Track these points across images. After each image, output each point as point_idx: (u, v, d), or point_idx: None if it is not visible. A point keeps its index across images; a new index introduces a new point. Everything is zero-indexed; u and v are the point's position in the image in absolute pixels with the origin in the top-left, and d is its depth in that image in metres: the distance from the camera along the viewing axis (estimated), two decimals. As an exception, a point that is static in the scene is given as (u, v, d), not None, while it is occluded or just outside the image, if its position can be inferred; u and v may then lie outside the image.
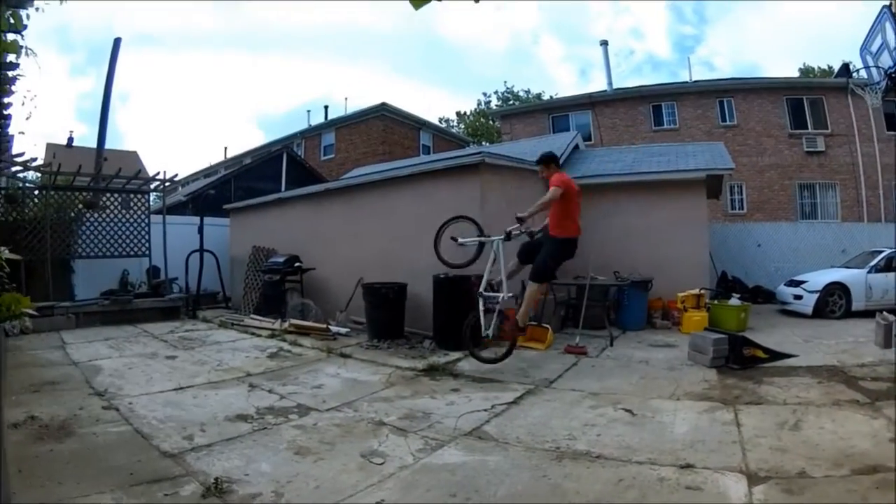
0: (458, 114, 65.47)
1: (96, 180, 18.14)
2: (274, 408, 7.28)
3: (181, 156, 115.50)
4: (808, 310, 15.17)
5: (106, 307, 15.59)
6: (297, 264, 15.46)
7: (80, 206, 17.23)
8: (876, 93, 13.91)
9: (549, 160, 9.93)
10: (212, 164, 51.08)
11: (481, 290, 9.95)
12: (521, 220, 9.62)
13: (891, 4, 11.84)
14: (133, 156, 41.83)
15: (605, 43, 38.71)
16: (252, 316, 15.40)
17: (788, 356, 9.18)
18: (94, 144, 22.31)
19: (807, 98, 28.21)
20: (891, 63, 12.05)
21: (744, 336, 9.57)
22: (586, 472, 4.93)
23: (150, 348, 11.70)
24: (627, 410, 6.81)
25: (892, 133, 26.24)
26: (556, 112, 34.79)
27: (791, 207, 27.63)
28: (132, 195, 18.60)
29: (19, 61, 8.19)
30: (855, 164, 26.80)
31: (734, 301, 13.67)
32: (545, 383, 8.44)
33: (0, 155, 13.37)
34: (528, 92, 62.34)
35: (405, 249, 12.48)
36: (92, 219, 17.34)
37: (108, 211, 17.79)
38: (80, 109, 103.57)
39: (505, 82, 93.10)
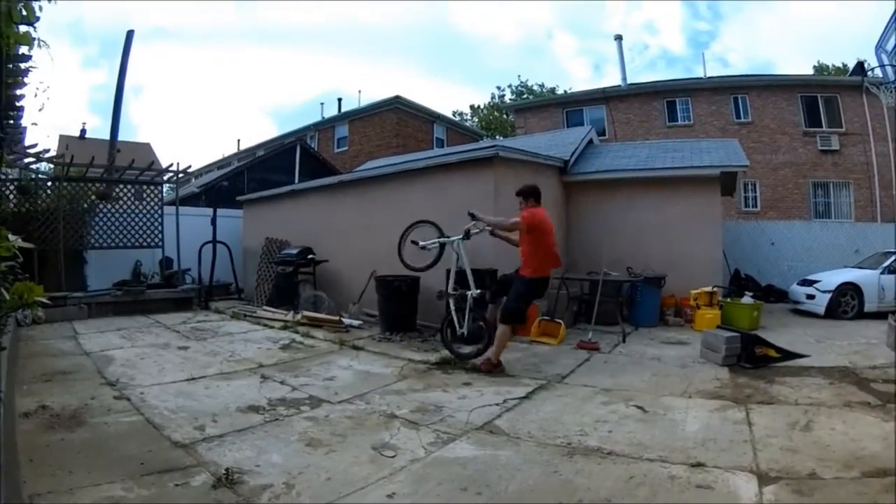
0: (471, 107, 65.34)
1: (109, 171, 18.22)
2: (286, 399, 7.31)
3: (194, 148, 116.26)
4: (821, 310, 15.06)
5: (118, 298, 15.67)
6: (310, 256, 15.48)
7: (93, 197, 17.27)
8: (891, 91, 13.92)
9: (527, 194, 9.58)
10: (225, 155, 51.29)
11: (448, 290, 10.15)
12: (473, 216, 9.70)
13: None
14: (146, 147, 42.04)
15: (619, 38, 38.69)
16: (265, 307, 15.44)
17: (800, 356, 9.17)
18: (107, 136, 22.51)
19: (821, 96, 27.98)
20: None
21: (756, 335, 9.57)
22: (597, 469, 4.95)
23: (162, 339, 11.76)
24: (639, 407, 6.82)
25: (908, 132, 26.07)
26: (570, 106, 34.73)
27: (805, 206, 27.46)
28: (145, 186, 18.63)
29: (32, 53, 8.22)
30: (869, 163, 26.60)
31: (747, 299, 13.63)
32: (557, 378, 8.46)
33: (13, 146, 13.41)
34: (542, 86, 62.32)
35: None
36: (105, 210, 17.37)
37: (121, 202, 17.83)
38: (93, 102, 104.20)
39: (519, 76, 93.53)
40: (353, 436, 5.88)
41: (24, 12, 4.27)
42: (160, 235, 18.15)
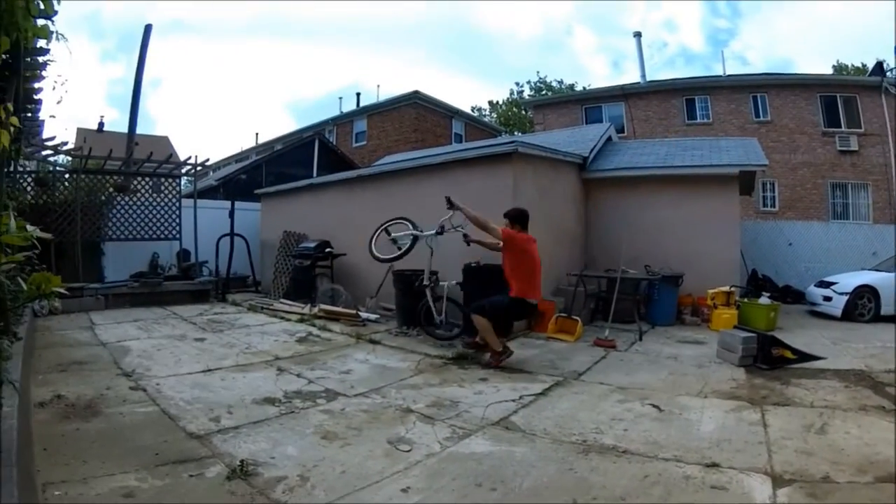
0: (490, 103, 65.17)
1: (127, 164, 18.33)
2: (302, 392, 7.35)
3: (212, 141, 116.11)
4: (838, 312, 14.93)
5: (135, 289, 15.73)
6: (327, 250, 15.50)
7: (111, 189, 17.38)
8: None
9: (514, 218, 9.61)
10: (243, 149, 51.25)
11: (425, 282, 10.61)
12: (451, 203, 9.85)
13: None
14: (164, 140, 42.22)
15: (638, 35, 38.63)
16: (281, 300, 15.49)
17: (816, 358, 9.13)
18: (125, 129, 22.63)
19: (840, 96, 27.69)
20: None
21: (773, 336, 9.54)
22: (612, 467, 4.96)
23: (178, 330, 11.80)
24: (655, 406, 6.82)
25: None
26: (589, 103, 34.57)
27: (823, 207, 27.22)
28: (163, 179, 18.68)
29: (50, 47, 8.29)
30: (888, 164, 26.30)
31: (764, 300, 13.57)
32: (574, 376, 8.47)
33: (31, 139, 13.49)
34: (560, 82, 62.02)
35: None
36: (123, 202, 17.47)
37: (138, 194, 17.93)
38: (111, 95, 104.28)
39: (538, 72, 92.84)
40: (368, 429, 5.91)
41: (42, 6, 4.31)
42: (178, 228, 18.27)
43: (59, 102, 13.31)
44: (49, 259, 13.02)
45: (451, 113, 39.95)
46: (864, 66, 45.69)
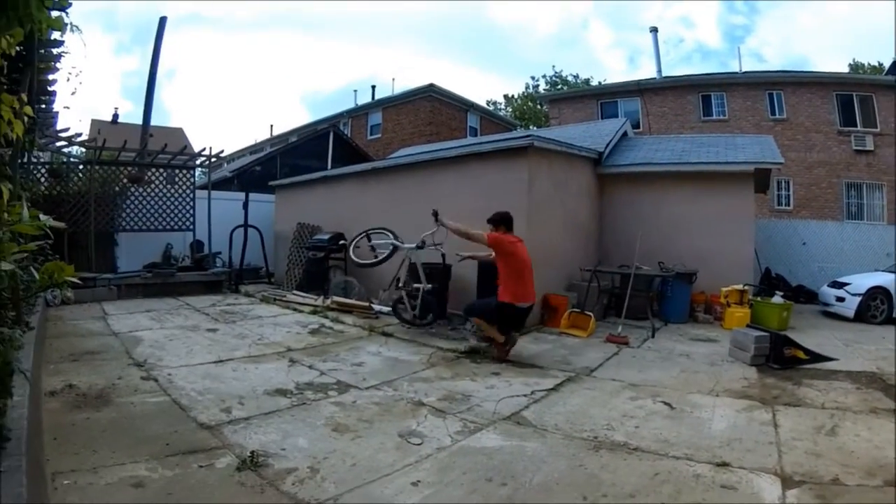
0: (505, 97, 65.04)
1: (141, 155, 18.40)
2: (313, 384, 7.37)
3: (227, 133, 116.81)
4: (850, 313, 14.84)
5: (148, 280, 15.79)
6: (341, 242, 15.44)
7: (125, 180, 17.42)
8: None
9: (497, 222, 9.56)
10: (258, 141, 51.56)
11: (401, 284, 11.14)
12: (436, 216, 9.92)
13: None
14: (179, 132, 42.28)
15: (654, 30, 38.49)
16: (294, 292, 15.50)
17: (829, 359, 9.11)
18: (139, 121, 22.79)
19: (857, 95, 27.48)
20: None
21: (785, 335, 9.49)
22: (623, 464, 4.96)
23: (191, 321, 11.84)
24: (666, 404, 6.82)
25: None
26: (604, 98, 34.45)
27: (837, 206, 27.00)
28: (177, 170, 18.76)
29: (64, 38, 8.31)
30: (903, 165, 26.22)
31: (777, 299, 13.50)
32: (586, 371, 8.47)
33: (45, 130, 13.53)
34: (576, 77, 62.10)
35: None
36: (136, 193, 17.55)
37: (152, 186, 17.98)
38: (125, 87, 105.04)
39: (553, 66, 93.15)
40: (379, 422, 5.93)
41: (57, -3, 4.32)
42: (191, 219, 18.34)
43: (73, 94, 13.32)
44: (62, 249, 13.06)
45: (467, 106, 39.91)
46: (880, 64, 45.37)
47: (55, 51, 8.76)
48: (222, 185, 23.65)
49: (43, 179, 16.00)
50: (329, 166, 26.80)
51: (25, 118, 4.16)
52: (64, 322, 11.07)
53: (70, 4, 4.61)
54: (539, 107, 56.17)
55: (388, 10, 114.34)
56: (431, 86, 36.82)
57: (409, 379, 7.79)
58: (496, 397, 6.93)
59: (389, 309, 12.43)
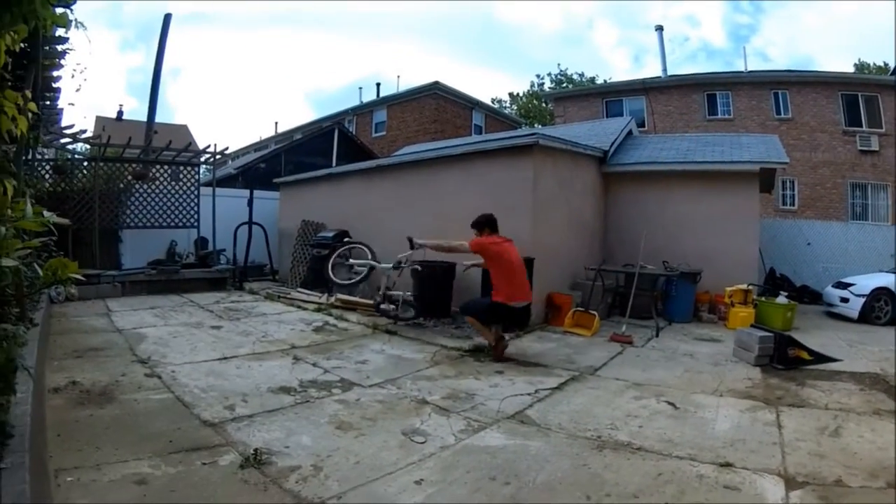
0: (511, 95, 64.91)
1: (146, 152, 18.45)
2: (317, 381, 7.39)
3: (232, 130, 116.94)
4: (854, 313, 14.80)
5: (152, 276, 15.87)
6: (346, 240, 15.43)
7: (130, 177, 17.46)
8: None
9: (481, 225, 9.54)
10: (262, 138, 51.65)
11: (381, 292, 11.41)
12: (411, 242, 10.22)
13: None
14: (183, 129, 42.33)
15: (660, 28, 38.60)
16: (299, 289, 15.51)
17: (832, 360, 9.11)
18: (144, 118, 22.76)
19: (862, 95, 27.46)
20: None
21: (790, 336, 9.47)
22: (626, 464, 4.96)
23: (195, 318, 11.89)
24: (670, 403, 6.82)
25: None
26: (609, 96, 34.49)
27: (842, 207, 27.01)
28: (182, 167, 18.79)
29: (69, 35, 8.31)
30: (909, 166, 26.16)
31: (781, 299, 13.45)
32: (590, 371, 8.47)
33: (50, 127, 13.55)
34: (581, 75, 62.00)
35: (455, 228, 12.43)
36: (141, 190, 17.57)
37: (157, 182, 18.01)
38: (130, 84, 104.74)
39: (559, 65, 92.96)
40: (383, 420, 5.93)
41: (61, -6, 4.32)
42: (196, 216, 18.35)
43: (77, 91, 13.40)
44: (67, 246, 13.12)
45: (472, 104, 39.93)
46: (885, 65, 45.30)
47: (60, 47, 8.77)
48: (227, 182, 23.68)
49: (47, 176, 16.05)
50: (334, 164, 26.89)
51: (30, 114, 4.16)
52: (68, 319, 11.12)
53: (75, 1, 4.62)
54: (544, 105, 56.16)
55: (392, 8, 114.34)
56: (436, 83, 36.79)
57: (413, 377, 7.79)
58: (500, 396, 6.94)
59: (393, 307, 12.48)
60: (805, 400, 7.18)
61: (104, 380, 6.88)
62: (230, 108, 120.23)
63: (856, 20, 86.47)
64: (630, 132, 19.85)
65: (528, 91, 63.62)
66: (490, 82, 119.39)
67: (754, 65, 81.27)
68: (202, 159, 19.54)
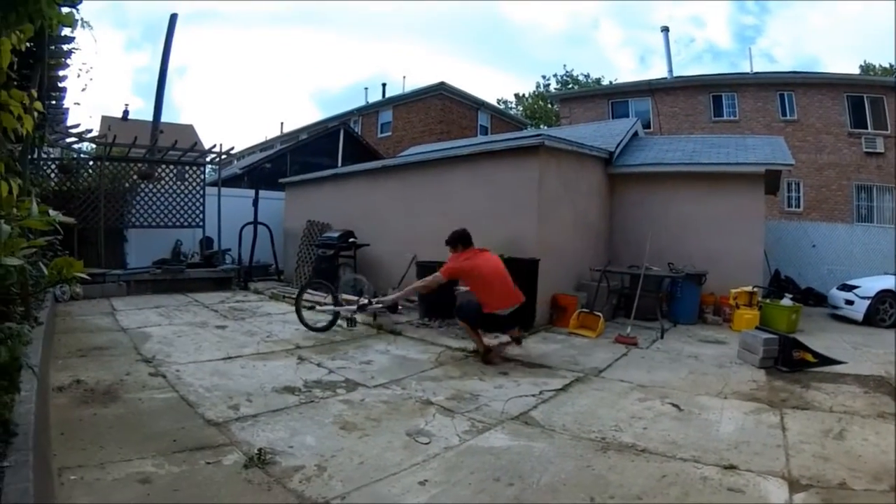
0: (516, 95, 65.03)
1: (152, 152, 18.48)
2: (322, 381, 7.39)
3: (237, 130, 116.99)
4: (859, 316, 14.77)
5: (157, 276, 15.90)
6: (351, 240, 15.52)
7: (135, 177, 17.51)
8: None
9: (454, 242, 9.47)
10: (268, 138, 51.54)
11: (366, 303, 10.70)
12: (362, 308, 10.41)
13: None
14: (189, 129, 42.41)
15: (665, 29, 38.42)
16: (309, 291, 15.50)
17: (837, 362, 9.12)
18: (150, 118, 22.96)
19: (867, 96, 27.37)
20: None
21: (794, 338, 9.45)
22: (630, 466, 4.95)
23: (200, 317, 11.92)
24: (675, 405, 6.80)
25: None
26: (615, 98, 34.44)
27: (847, 209, 26.93)
28: (187, 167, 18.86)
29: (74, 34, 8.33)
30: (914, 168, 26.09)
31: (786, 301, 13.44)
32: (594, 372, 8.45)
33: (55, 126, 13.58)
34: (587, 76, 62.05)
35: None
36: (146, 190, 17.64)
37: (162, 182, 18.09)
38: (136, 84, 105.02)
39: (564, 65, 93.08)
40: (387, 421, 5.93)
41: (67, -6, 4.33)
42: (201, 215, 18.42)
43: (83, 90, 13.42)
44: (72, 245, 13.14)
45: (477, 105, 39.88)
46: (891, 66, 45.22)
47: (66, 47, 8.80)
48: (232, 182, 23.74)
49: (53, 175, 16.10)
50: (339, 164, 26.94)
51: (35, 114, 4.17)
52: (72, 317, 11.13)
53: (80, 1, 4.62)
54: (550, 106, 56.25)
55: (398, 8, 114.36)
56: (442, 84, 36.77)
57: (418, 378, 7.79)
58: (504, 397, 6.93)
59: (399, 307, 12.46)
60: (809, 402, 7.17)
61: (108, 379, 6.88)
62: (236, 107, 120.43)
63: (861, 20, 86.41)
64: (636, 133, 19.82)
65: (534, 92, 63.74)
66: (495, 83, 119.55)
67: (760, 66, 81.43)
68: (208, 159, 19.64)
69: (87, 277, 3.98)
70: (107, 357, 8.09)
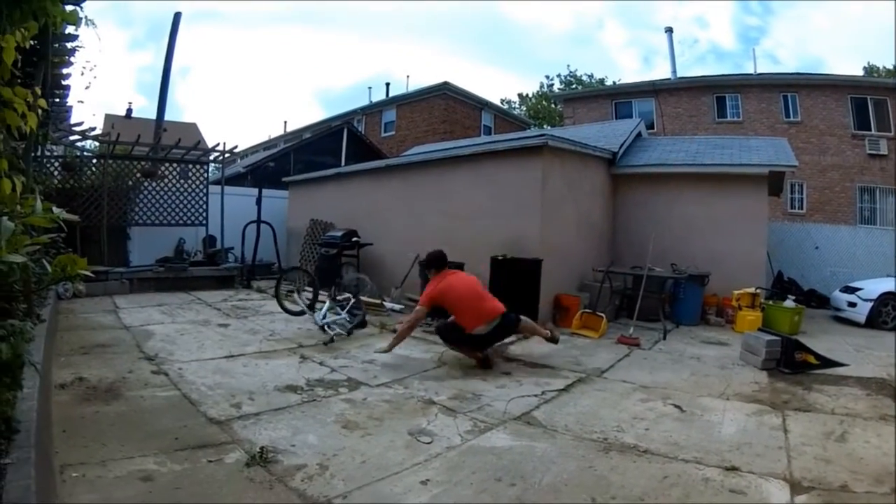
0: (520, 95, 64.98)
1: (155, 150, 18.47)
2: (324, 380, 7.41)
3: (241, 129, 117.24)
4: (862, 318, 14.72)
5: (160, 274, 15.91)
6: (354, 239, 15.51)
7: (139, 175, 17.52)
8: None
9: (429, 265, 9.37)
10: (271, 137, 51.70)
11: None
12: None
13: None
14: (192, 127, 42.33)
15: (669, 30, 38.58)
16: (306, 288, 15.48)
17: (839, 364, 9.10)
18: (153, 116, 22.91)
19: (871, 98, 27.26)
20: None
21: (797, 340, 9.44)
22: (632, 467, 4.96)
23: (202, 315, 11.93)
24: (677, 406, 6.81)
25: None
26: (619, 98, 34.37)
27: (850, 211, 26.87)
28: (190, 165, 18.94)
29: (78, 32, 8.34)
30: (916, 170, 26.04)
31: (789, 303, 13.41)
32: (597, 373, 8.47)
33: (59, 124, 13.59)
34: (591, 76, 61.94)
35: (463, 229, 12.46)
36: (150, 188, 17.66)
37: (166, 180, 18.13)
38: (140, 82, 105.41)
39: (568, 66, 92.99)
40: (389, 420, 5.95)
41: (71, -9, 4.33)
42: (204, 214, 18.42)
43: (87, 88, 13.43)
44: (75, 242, 13.12)
45: (481, 105, 39.85)
46: (895, 67, 45.11)
47: (69, 45, 8.81)
48: (235, 180, 23.78)
49: (56, 173, 16.09)
50: (343, 163, 26.94)
51: (39, 111, 4.17)
52: (75, 315, 11.14)
53: (84, -1, 4.63)
54: (553, 106, 56.11)
55: (401, 8, 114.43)
56: (446, 84, 36.74)
57: (420, 377, 7.82)
58: (507, 397, 6.94)
59: (402, 307, 12.46)
60: (811, 404, 7.17)
61: (111, 376, 6.90)
62: (239, 106, 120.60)
63: (864, 21, 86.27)
64: (639, 134, 19.79)
65: (538, 92, 63.60)
66: (499, 82, 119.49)
67: (764, 67, 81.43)
68: (211, 157, 19.63)
69: (90, 275, 3.97)
70: (109, 355, 8.10)
